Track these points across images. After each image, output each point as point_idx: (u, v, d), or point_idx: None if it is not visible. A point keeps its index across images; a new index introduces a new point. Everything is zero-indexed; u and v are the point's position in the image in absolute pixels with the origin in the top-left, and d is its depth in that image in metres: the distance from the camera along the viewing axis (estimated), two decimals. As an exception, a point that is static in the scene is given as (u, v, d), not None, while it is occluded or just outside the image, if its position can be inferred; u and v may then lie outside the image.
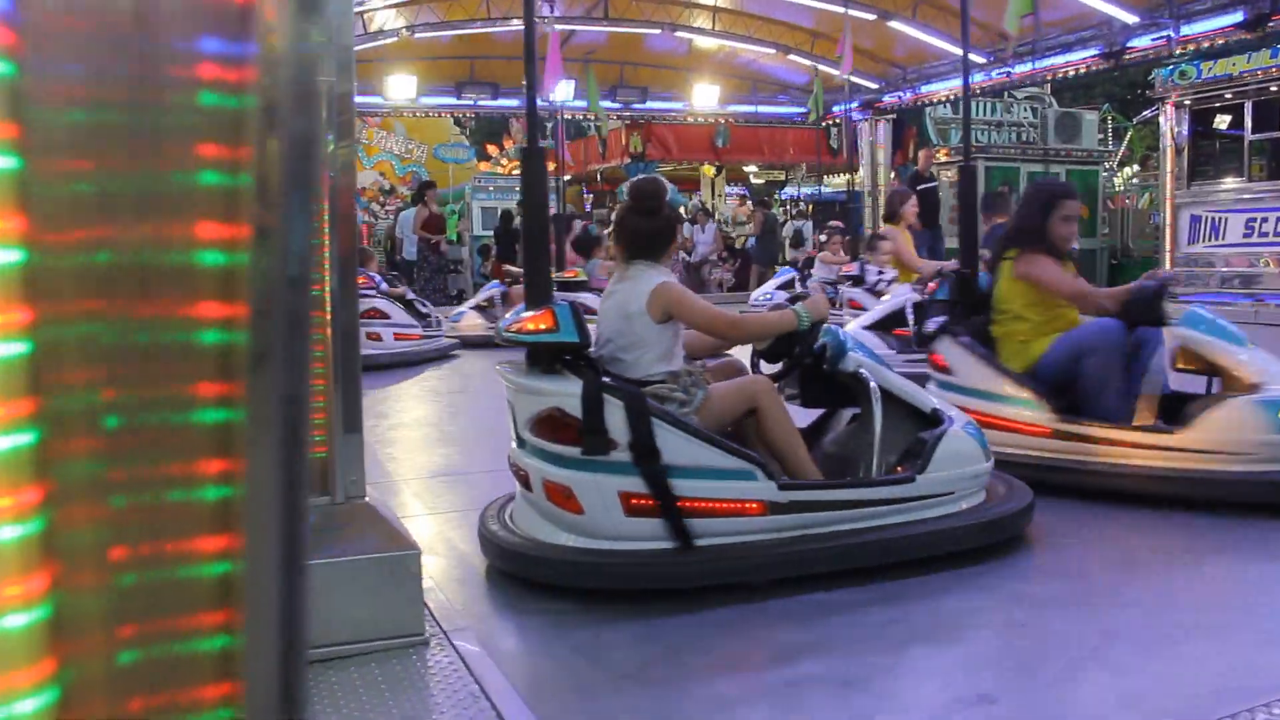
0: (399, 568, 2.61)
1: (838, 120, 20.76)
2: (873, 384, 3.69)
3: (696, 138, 22.75)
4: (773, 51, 17.62)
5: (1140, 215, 19.45)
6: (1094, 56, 14.79)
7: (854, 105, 19.09)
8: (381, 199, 26.18)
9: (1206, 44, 13.63)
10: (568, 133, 30.59)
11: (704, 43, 17.84)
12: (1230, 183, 14.61)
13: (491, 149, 29.54)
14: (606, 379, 3.34)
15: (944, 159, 20.03)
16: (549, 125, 31.41)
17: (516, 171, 27.91)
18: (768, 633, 3.06)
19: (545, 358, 3.36)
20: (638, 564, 3.26)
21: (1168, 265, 14.91)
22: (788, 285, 13.77)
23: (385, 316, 9.94)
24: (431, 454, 6.05)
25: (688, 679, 2.83)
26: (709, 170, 27.92)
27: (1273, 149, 14.18)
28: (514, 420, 3.49)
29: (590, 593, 3.27)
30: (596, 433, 3.19)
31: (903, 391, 3.85)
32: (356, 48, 14.36)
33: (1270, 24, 12.63)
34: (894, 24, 15.53)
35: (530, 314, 3.35)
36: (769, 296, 12.57)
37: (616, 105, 19.00)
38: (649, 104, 19.03)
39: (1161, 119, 15.42)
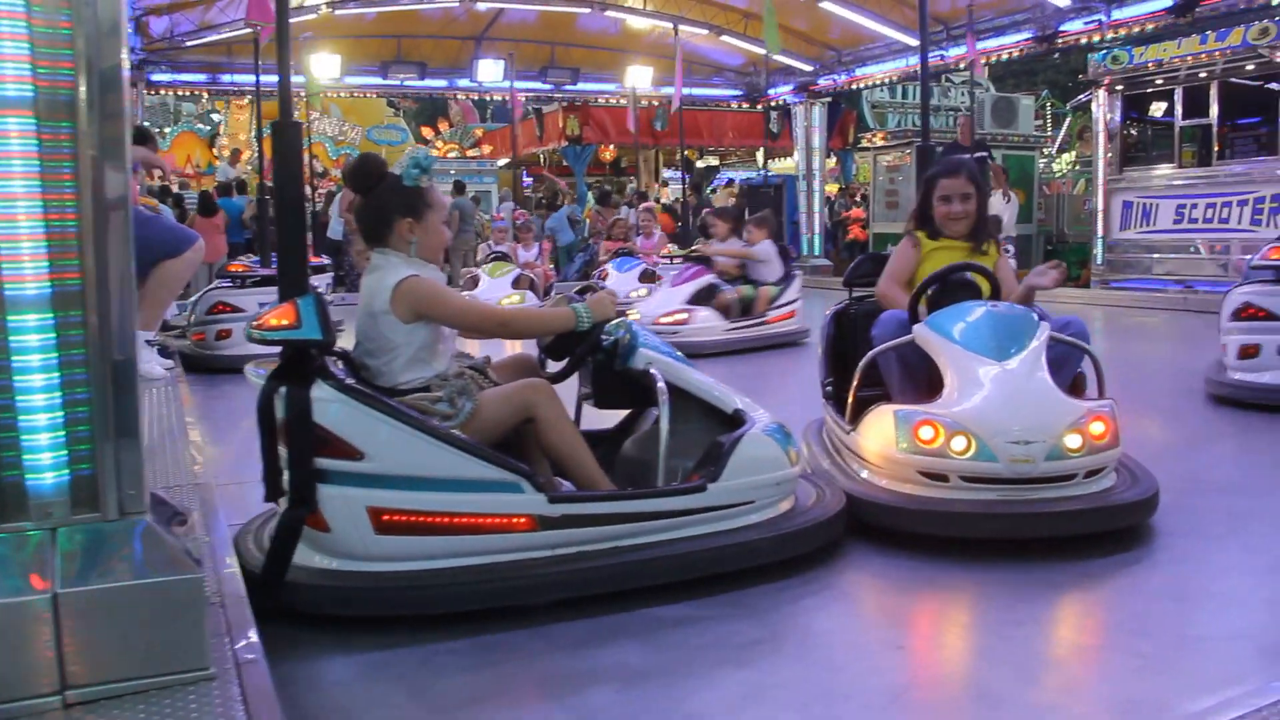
0: (177, 595, 2.28)
1: (776, 104, 20.54)
2: (661, 383, 3.36)
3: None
4: (705, 32, 17.33)
5: (1075, 201, 19.41)
6: (1027, 40, 14.66)
7: (789, 88, 18.86)
8: (314, 181, 25.63)
9: (1138, 29, 13.54)
10: (505, 116, 30.22)
11: (637, 23, 17.50)
12: (1161, 169, 14.55)
13: (427, 131, 29.05)
14: (352, 381, 3.04)
15: (880, 143, 19.92)
16: (489, 108, 30.97)
17: (453, 154, 27.52)
18: (612, 655, 2.77)
19: (297, 357, 2.97)
20: (392, 587, 2.96)
21: (1099, 251, 14.85)
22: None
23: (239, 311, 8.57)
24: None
25: (522, 711, 2.55)
26: (692, 154, 27.60)
27: (1203, 135, 14.13)
28: None
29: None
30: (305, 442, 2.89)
31: (701, 390, 3.56)
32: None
33: (1199, 9, 12.54)
34: (826, 5, 15.27)
35: (276, 308, 2.98)
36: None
37: (548, 86, 18.61)
38: (580, 85, 18.65)
39: (1094, 104, 15.34)
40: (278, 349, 3.01)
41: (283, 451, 3.00)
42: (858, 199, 21.93)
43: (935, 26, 15.72)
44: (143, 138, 7.05)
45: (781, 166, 24.49)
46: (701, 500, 3.26)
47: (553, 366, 3.61)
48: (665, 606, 3.05)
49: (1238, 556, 3.47)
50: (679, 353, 3.67)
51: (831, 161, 23.02)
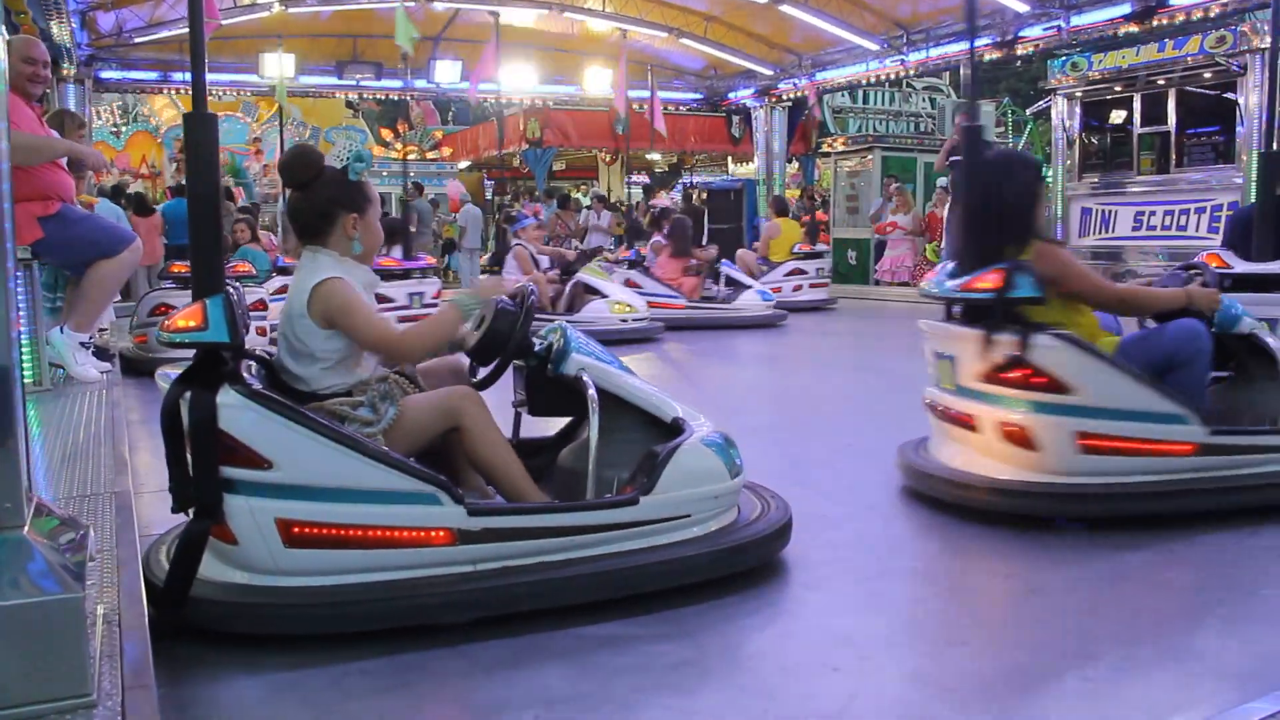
0: (55, 615, 2.11)
1: (736, 108, 20.45)
2: (591, 391, 3.22)
3: (596, 124, 22.25)
4: (666, 35, 17.20)
5: (1035, 208, 19.44)
6: (987, 45, 14.63)
7: (750, 92, 18.77)
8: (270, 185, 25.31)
9: (1097, 35, 13.56)
10: (466, 118, 30.00)
11: (597, 25, 17.34)
12: (1120, 176, 14.58)
13: (386, 133, 28.73)
14: (258, 386, 2.89)
15: (841, 148, 19.89)
16: (449, 110, 30.73)
17: (412, 156, 27.24)
18: (533, 677, 2.61)
19: (208, 360, 2.83)
20: (304, 603, 2.81)
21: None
22: None
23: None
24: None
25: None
26: (665, 160, 27.50)
27: (1161, 143, 14.16)
28: None
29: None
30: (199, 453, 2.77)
31: (638, 398, 3.42)
32: (226, 21, 13.67)
33: (1157, 16, 12.56)
34: (786, 8, 15.19)
35: (185, 308, 2.83)
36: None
37: (505, 88, 18.41)
38: (540, 87, 18.46)
39: (1053, 111, 15.36)
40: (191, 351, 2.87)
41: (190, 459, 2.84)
42: (817, 202, 21.90)
43: (896, 32, 15.71)
44: (64, 125, 6.83)
45: (745, 171, 24.46)
46: (633, 514, 3.10)
47: (481, 372, 3.46)
48: (593, 625, 2.91)
49: (1191, 572, 3.37)
50: (618, 358, 3.54)
51: (793, 167, 22.99)
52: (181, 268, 9.04)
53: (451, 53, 17.78)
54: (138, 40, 14.89)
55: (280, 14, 14.94)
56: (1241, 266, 5.60)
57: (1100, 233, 14.63)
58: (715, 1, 16.26)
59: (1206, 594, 3.18)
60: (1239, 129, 12.86)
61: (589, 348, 3.44)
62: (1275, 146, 5.78)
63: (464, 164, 27.08)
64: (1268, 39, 11.89)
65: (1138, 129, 14.36)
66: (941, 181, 16.25)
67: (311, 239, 3.19)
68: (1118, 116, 14.91)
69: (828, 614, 3.11)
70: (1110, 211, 14.52)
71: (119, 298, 9.27)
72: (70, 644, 2.15)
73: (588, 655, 2.74)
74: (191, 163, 2.99)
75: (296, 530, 2.80)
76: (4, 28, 2.14)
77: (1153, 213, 13.94)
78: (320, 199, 3.17)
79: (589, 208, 18.68)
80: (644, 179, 28.85)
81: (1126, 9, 12.73)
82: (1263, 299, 5.46)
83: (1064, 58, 14.71)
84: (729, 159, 26.65)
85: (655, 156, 28.58)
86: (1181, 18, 12.67)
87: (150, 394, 7.48)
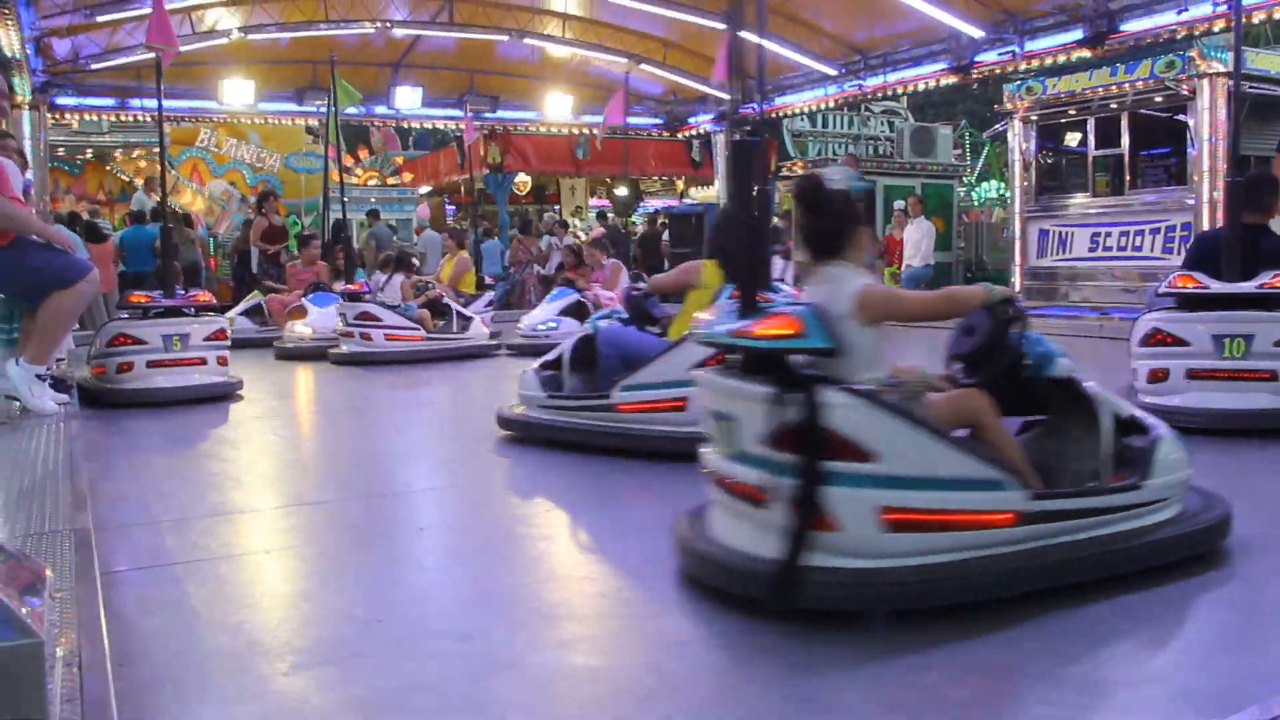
0: (11, 664, 2.07)
1: (699, 132, 20.58)
2: (1092, 389, 3.67)
3: (556, 149, 22.32)
4: (625, 61, 17.28)
5: (994, 229, 19.71)
6: (943, 70, 14.81)
7: (710, 117, 18.89)
8: (239, 209, 25.06)
9: (1050, 60, 13.76)
10: (427, 143, 29.96)
11: (557, 51, 17.41)
12: (1076, 198, 14.78)
13: (347, 159, 28.62)
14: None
15: (800, 171, 20.03)
16: (410, 136, 30.61)
17: (373, 182, 27.18)
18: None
19: (769, 365, 3.17)
20: (900, 583, 3.02)
21: (1017, 279, 15.03)
22: (569, 310, 11.99)
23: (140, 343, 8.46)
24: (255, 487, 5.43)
25: None
26: (684, 181, 27.57)
27: (1115, 165, 14.37)
28: (731, 432, 3.31)
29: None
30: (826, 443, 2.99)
31: (1099, 396, 3.73)
32: (185, 48, 13.59)
33: (1109, 42, 12.77)
34: (746, 35, 15.29)
35: (769, 319, 3.18)
36: (554, 325, 11.57)
37: (467, 114, 18.45)
38: (500, 113, 18.49)
39: (1010, 134, 15.57)
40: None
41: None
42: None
43: (853, 56, 15.87)
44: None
45: (706, 195, 24.58)
46: (1138, 497, 3.47)
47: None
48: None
49: (1146, 594, 3.40)
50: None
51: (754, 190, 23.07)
52: (139, 297, 8.86)
53: (412, 79, 17.78)
54: (94, 67, 14.76)
55: (239, 40, 14.87)
56: (1216, 286, 5.84)
57: (1058, 254, 14.83)
58: (674, 27, 16.34)
59: (1160, 611, 3.23)
60: (1190, 151, 13.08)
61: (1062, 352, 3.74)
62: (1236, 174, 6.10)
63: (425, 189, 27.02)
64: (1214, 64, 12.31)
65: (1092, 151, 14.58)
66: (898, 204, 16.41)
67: (829, 256, 3.48)
68: (1073, 139, 15.14)
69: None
70: (1067, 233, 14.73)
71: (77, 327, 9.13)
72: (29, 690, 2.11)
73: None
74: (737, 184, 3.57)
75: (893, 517, 3.03)
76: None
77: (1109, 233, 14.15)
78: (840, 219, 3.51)
79: (549, 233, 18.66)
80: (605, 204, 28.94)
81: (1079, 34, 12.92)
82: (1233, 316, 5.75)
83: (1019, 82, 14.93)
84: (682, 181, 26.73)
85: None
86: (1132, 44, 12.87)
87: (110, 425, 7.37)
